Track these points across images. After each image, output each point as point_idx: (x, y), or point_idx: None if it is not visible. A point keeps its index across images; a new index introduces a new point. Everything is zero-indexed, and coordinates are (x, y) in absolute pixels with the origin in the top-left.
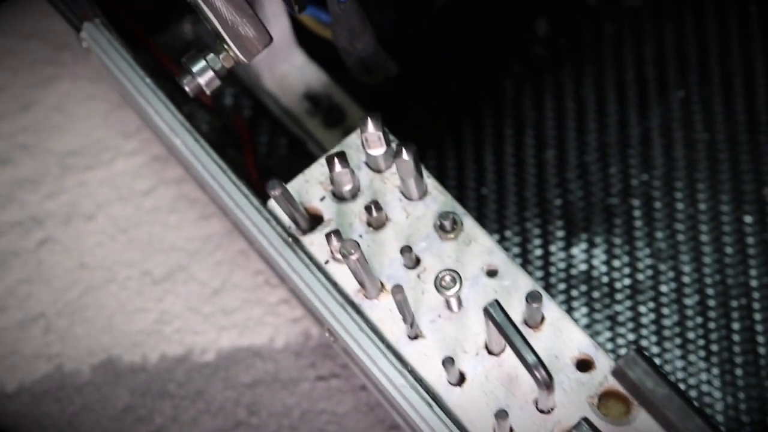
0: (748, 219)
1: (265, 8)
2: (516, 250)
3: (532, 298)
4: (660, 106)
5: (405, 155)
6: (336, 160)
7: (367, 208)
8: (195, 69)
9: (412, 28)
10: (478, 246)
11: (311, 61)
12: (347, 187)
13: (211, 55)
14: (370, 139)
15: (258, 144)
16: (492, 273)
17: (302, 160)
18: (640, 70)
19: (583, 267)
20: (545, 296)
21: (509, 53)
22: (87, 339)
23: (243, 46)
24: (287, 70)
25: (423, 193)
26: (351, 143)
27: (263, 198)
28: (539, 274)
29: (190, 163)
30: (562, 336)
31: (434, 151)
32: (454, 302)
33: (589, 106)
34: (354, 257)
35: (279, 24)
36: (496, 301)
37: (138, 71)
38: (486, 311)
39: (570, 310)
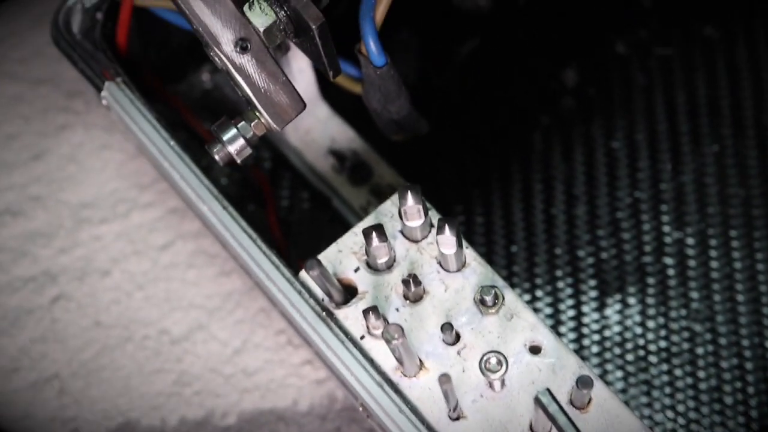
0: None
1: (291, 64)
2: (548, 310)
3: (583, 383)
4: (694, 160)
5: (448, 232)
6: (374, 233)
7: (405, 282)
8: (225, 137)
9: (436, 78)
10: (521, 321)
11: (336, 115)
12: (383, 260)
13: (242, 123)
14: (408, 212)
15: (279, 198)
16: (535, 350)
17: (325, 215)
18: (672, 121)
19: (617, 329)
20: (594, 378)
21: (537, 104)
22: (103, 402)
23: (275, 114)
24: (311, 124)
25: (462, 265)
26: (386, 211)
27: (289, 261)
28: (572, 335)
29: (222, 235)
30: (610, 418)
31: (462, 206)
32: (497, 383)
33: (621, 160)
34: (397, 342)
35: (304, 78)
36: (548, 390)
37: (161, 132)
38: (537, 401)
39: (604, 374)
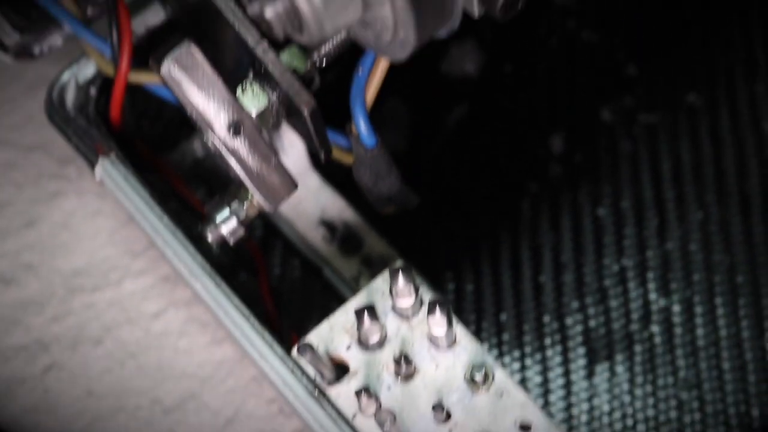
0: None
1: (282, 136)
2: (537, 379)
3: None
4: (679, 227)
5: (438, 314)
6: (365, 314)
7: (397, 361)
8: (218, 219)
9: (425, 145)
10: (511, 399)
11: (327, 185)
12: (375, 338)
13: (235, 204)
14: (399, 293)
15: (271, 266)
16: (526, 428)
17: (318, 283)
18: (657, 189)
19: (605, 397)
20: None
21: (525, 172)
22: None
23: (268, 195)
24: (302, 195)
25: (452, 342)
26: (377, 288)
27: (281, 332)
28: (561, 404)
29: (214, 311)
30: None
31: (452, 273)
32: None
33: (607, 227)
34: (390, 428)
35: (295, 149)
36: None
37: (154, 209)
38: None
39: None
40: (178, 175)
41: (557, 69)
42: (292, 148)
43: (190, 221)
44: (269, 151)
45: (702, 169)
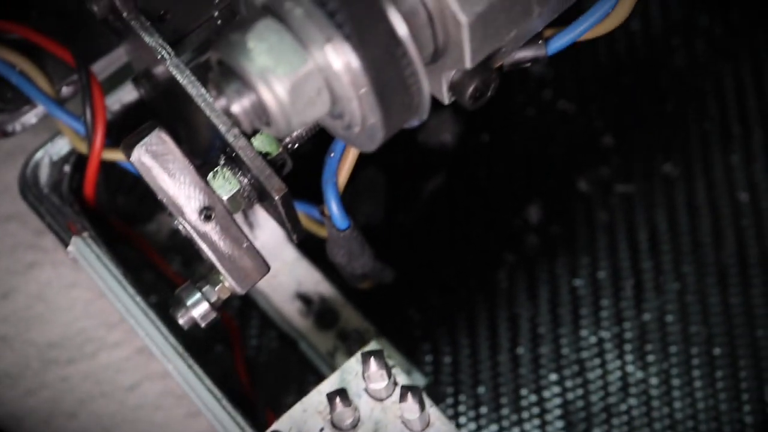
0: (748, 419)
1: (257, 210)
2: None
3: None
4: (656, 297)
5: (410, 400)
6: (337, 398)
7: None
8: (189, 302)
9: (402, 215)
10: None
11: (303, 258)
12: (348, 421)
13: (206, 287)
14: (372, 376)
15: (247, 337)
16: None
17: (294, 355)
18: (634, 259)
19: None
20: None
21: (502, 242)
22: None
23: (240, 278)
24: (278, 268)
25: (426, 425)
26: (350, 369)
27: (255, 408)
28: None
29: (187, 393)
30: None
31: (429, 345)
32: None
33: (584, 298)
34: None
35: (270, 223)
36: None
37: (127, 289)
38: None
39: None
40: (153, 248)
41: (534, 139)
42: (268, 221)
43: (165, 293)
44: (241, 235)
45: (679, 239)
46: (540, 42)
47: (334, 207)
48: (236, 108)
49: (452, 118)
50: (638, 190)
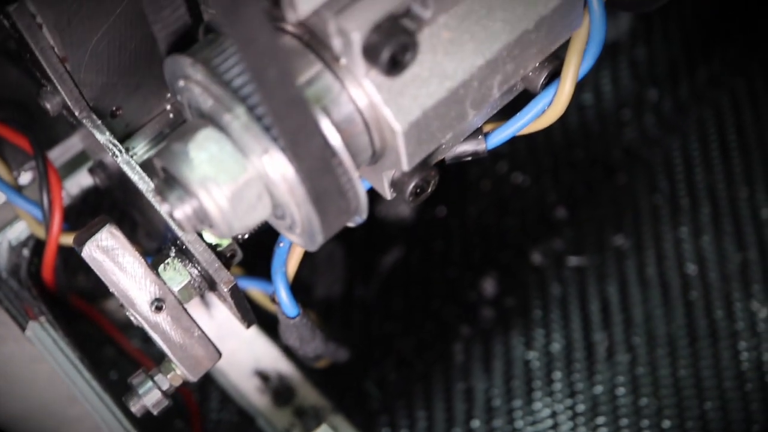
0: None
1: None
2: None
3: None
4: (607, 370)
5: None
6: None
7: None
8: (141, 391)
9: (360, 288)
10: None
11: (262, 334)
12: None
13: (158, 375)
14: None
15: (208, 411)
16: None
17: (254, 430)
18: (586, 331)
19: None
20: None
21: (458, 315)
22: None
23: (191, 366)
24: (236, 345)
25: None
26: None
27: None
28: None
29: None
30: None
31: (386, 418)
32: None
33: (538, 371)
34: None
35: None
36: None
37: (83, 374)
38: None
39: None
40: (113, 324)
41: (489, 211)
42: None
43: (126, 369)
44: (192, 324)
45: (630, 311)
46: (480, 137)
47: (283, 296)
48: (178, 214)
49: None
50: (590, 263)
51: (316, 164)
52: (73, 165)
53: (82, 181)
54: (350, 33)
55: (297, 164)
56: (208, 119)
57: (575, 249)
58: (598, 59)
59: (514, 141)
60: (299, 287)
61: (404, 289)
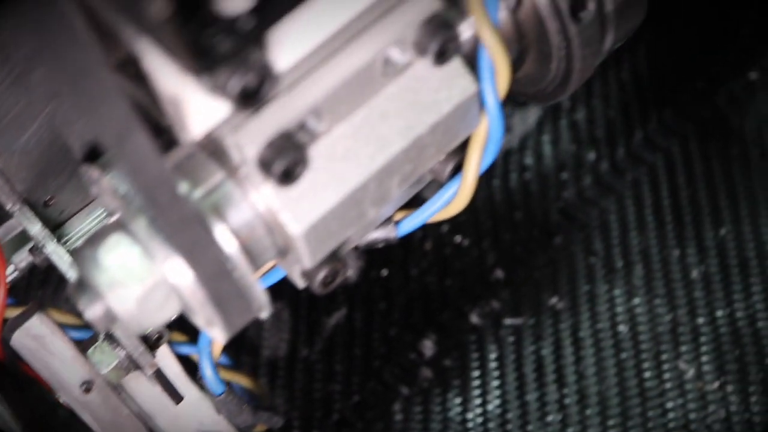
0: None
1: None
2: None
3: None
4: (540, 429)
5: None
6: None
7: None
8: None
9: (306, 349)
10: None
11: (205, 397)
12: None
13: None
14: None
15: None
16: None
17: None
18: (521, 390)
19: None
20: None
21: (397, 375)
22: None
23: None
24: (179, 409)
25: None
26: None
27: None
28: None
29: None
30: None
31: None
32: None
33: (474, 431)
34: None
35: (171, 368)
36: None
37: None
38: None
39: None
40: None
41: (431, 272)
42: (169, 368)
43: (78, 430)
44: (120, 404)
45: (563, 370)
46: (391, 225)
47: (208, 374)
48: (89, 315)
49: (352, 252)
50: (526, 323)
51: (213, 271)
52: (20, 240)
53: (29, 256)
54: (245, 149)
55: (195, 271)
56: (119, 224)
57: (512, 309)
58: (541, 120)
59: None
60: (246, 348)
61: (347, 349)
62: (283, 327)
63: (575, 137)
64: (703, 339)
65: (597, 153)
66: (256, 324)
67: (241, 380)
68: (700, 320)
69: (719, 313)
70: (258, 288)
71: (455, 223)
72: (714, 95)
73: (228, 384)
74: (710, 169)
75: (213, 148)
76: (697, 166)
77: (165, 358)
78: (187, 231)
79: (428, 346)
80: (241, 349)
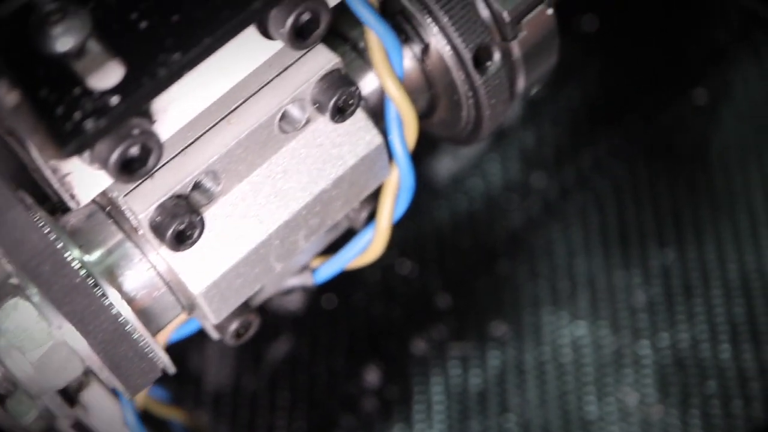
0: None
1: (94, 395)
2: None
3: None
4: None
5: None
6: None
7: None
8: None
9: (249, 380)
10: None
11: None
12: None
13: None
14: None
15: None
16: None
17: None
18: (464, 421)
19: None
20: None
21: (342, 406)
22: None
23: None
24: None
25: None
26: None
27: None
28: None
29: None
30: None
31: None
32: None
33: None
34: None
35: (104, 402)
36: None
37: None
38: None
39: None
40: None
41: (376, 300)
42: (101, 400)
43: None
44: None
45: (506, 399)
46: (308, 272)
47: (130, 422)
48: None
49: None
50: (471, 351)
51: (108, 336)
52: None
53: None
54: (137, 214)
55: (88, 339)
56: (17, 287)
57: (457, 337)
58: (490, 142)
59: (403, 227)
60: (189, 379)
61: (291, 380)
62: (228, 359)
63: (524, 160)
64: (646, 364)
65: (545, 176)
66: (200, 355)
67: (180, 416)
68: (644, 346)
69: (663, 337)
70: (159, 350)
71: (402, 249)
72: (661, 117)
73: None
74: (657, 193)
75: (111, 209)
76: (643, 189)
77: (99, 399)
78: (76, 299)
79: (373, 376)
80: (184, 380)
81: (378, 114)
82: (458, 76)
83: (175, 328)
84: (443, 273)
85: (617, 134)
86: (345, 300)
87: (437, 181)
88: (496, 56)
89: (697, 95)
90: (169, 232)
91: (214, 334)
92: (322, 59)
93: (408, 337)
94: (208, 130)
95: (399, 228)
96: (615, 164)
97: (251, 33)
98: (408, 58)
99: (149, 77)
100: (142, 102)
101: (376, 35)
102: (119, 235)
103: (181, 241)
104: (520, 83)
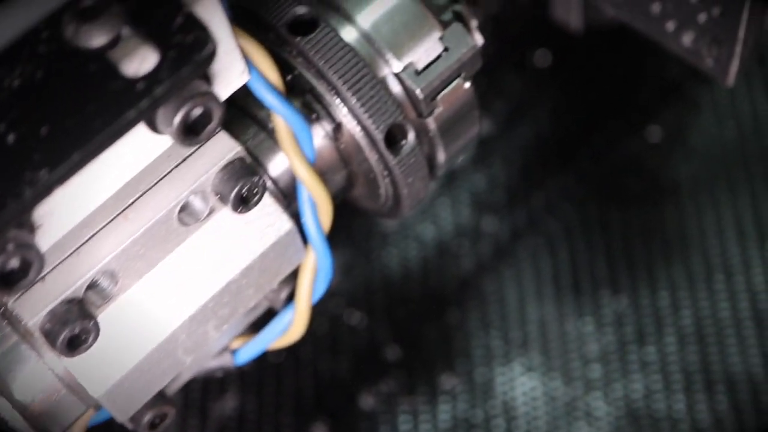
0: None
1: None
2: None
3: None
4: None
5: None
6: None
7: None
8: None
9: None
10: None
11: None
12: None
13: None
14: None
15: None
16: None
17: None
18: None
19: None
20: None
21: None
22: None
23: None
24: None
25: None
26: None
27: None
28: None
29: None
30: None
31: None
32: None
33: None
34: None
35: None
36: None
37: None
38: None
39: None
40: None
41: (323, 352)
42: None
43: None
44: None
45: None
46: (227, 354)
47: None
48: None
49: None
50: (421, 405)
51: None
52: None
53: None
54: (26, 322)
55: None
56: None
57: (407, 390)
58: (441, 185)
59: (352, 277)
60: None
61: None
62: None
63: (474, 203)
64: (599, 416)
65: (496, 219)
66: None
67: None
68: (597, 397)
69: (616, 388)
70: None
71: (349, 298)
72: (613, 155)
73: None
74: (609, 236)
75: (5, 311)
76: (595, 232)
77: None
78: None
79: (319, 431)
80: None
81: (292, 194)
82: (371, 156)
83: (90, 417)
84: (392, 323)
85: (569, 174)
86: (292, 353)
87: (386, 227)
88: (411, 135)
89: (651, 133)
90: (60, 339)
91: (129, 425)
92: (223, 148)
93: (356, 392)
94: (103, 227)
95: (348, 277)
96: (566, 206)
97: (141, 129)
98: (320, 137)
99: (14, 198)
100: (9, 221)
101: (283, 119)
102: (14, 337)
103: (74, 347)
104: (440, 157)
